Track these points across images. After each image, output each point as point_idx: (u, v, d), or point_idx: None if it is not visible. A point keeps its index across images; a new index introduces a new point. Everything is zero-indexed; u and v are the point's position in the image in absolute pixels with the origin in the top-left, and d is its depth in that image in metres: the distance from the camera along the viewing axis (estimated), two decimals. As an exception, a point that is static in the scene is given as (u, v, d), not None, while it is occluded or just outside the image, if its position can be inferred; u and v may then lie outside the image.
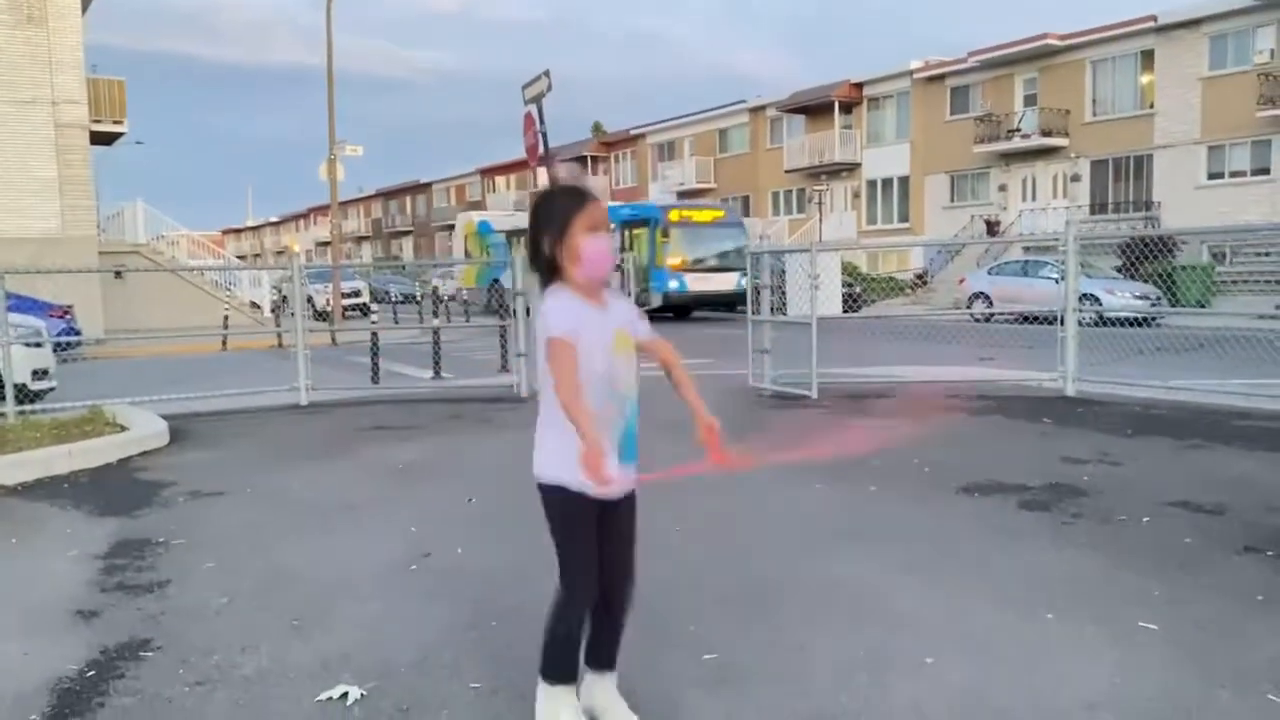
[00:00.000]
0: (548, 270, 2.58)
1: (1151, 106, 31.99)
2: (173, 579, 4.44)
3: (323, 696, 3.17)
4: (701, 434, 2.62)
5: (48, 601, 4.19)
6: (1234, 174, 30.29)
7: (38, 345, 10.41)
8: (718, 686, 3.15)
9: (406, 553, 4.72)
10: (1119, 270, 24.16)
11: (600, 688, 2.79)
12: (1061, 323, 9.65)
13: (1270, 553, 4.37)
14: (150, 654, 3.58)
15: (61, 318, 17.60)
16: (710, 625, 3.67)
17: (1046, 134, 34.43)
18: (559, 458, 2.51)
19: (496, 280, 22.13)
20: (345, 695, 3.17)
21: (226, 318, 21.75)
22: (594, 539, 2.59)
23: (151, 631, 3.79)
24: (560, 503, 2.57)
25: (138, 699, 3.20)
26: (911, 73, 39.27)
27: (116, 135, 27.83)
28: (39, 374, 10.21)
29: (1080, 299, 19.18)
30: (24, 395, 9.47)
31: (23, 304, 14.01)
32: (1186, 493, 5.45)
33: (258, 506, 5.89)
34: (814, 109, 42.76)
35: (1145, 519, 4.96)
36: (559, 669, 2.68)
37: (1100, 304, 20.00)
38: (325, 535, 5.19)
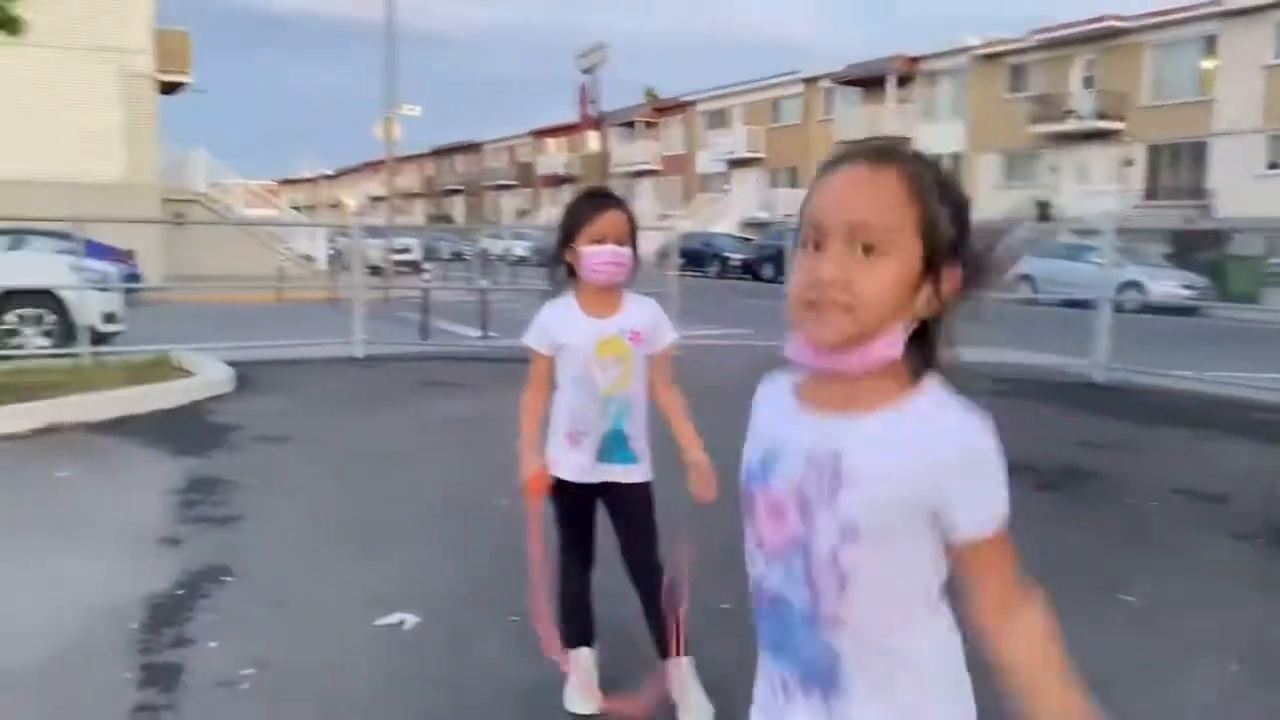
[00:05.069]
0: (565, 273, 2.82)
1: (1212, 93, 31.56)
2: (245, 515, 4.90)
3: (381, 622, 3.59)
4: (690, 477, 2.76)
5: (136, 529, 4.66)
6: (1296, 165, 29.88)
7: (107, 289, 10.97)
8: (734, 636, 3.52)
9: (455, 500, 5.15)
10: (1168, 257, 24.03)
11: (672, 675, 2.97)
12: (1094, 309, 9.82)
13: (1260, 540, 4.66)
14: (230, 579, 4.02)
15: (124, 262, 18.26)
16: (724, 580, 4.03)
17: (1102, 116, 34.08)
18: (548, 450, 2.90)
19: None
20: (402, 622, 3.59)
21: (282, 269, 22.31)
22: (579, 522, 2.91)
23: (229, 560, 4.23)
24: (552, 486, 2.92)
25: (221, 615, 3.65)
26: (969, 49, 38.93)
27: (180, 85, 28.46)
28: (108, 317, 10.75)
29: (1124, 286, 19.28)
30: (94, 337, 10.01)
31: (90, 248, 14.60)
32: (1195, 481, 5.72)
33: (321, 452, 6.35)
34: (869, 82, 42.57)
35: (1151, 504, 5.26)
36: (565, 630, 3.04)
37: (1144, 291, 20.01)
38: (382, 481, 5.63)
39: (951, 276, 1.21)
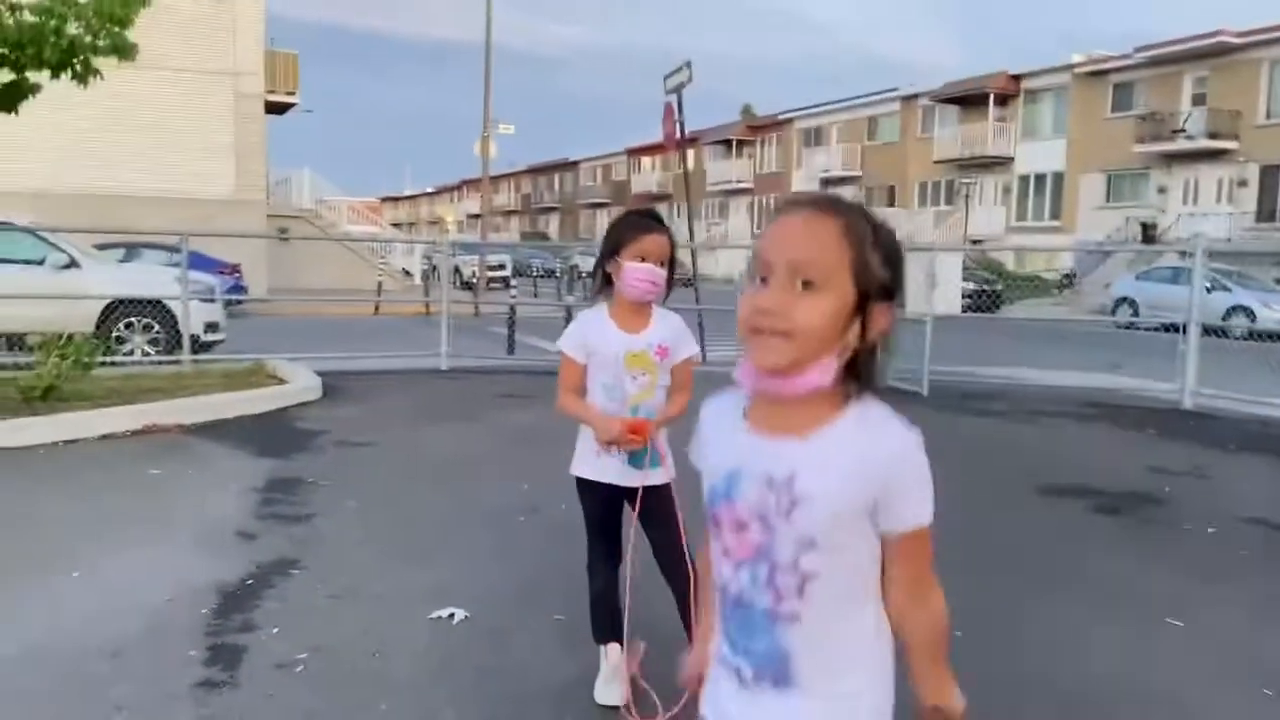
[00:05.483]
0: (603, 282, 3.00)
1: (1332, 111, 30.33)
2: (318, 513, 5.18)
3: (433, 615, 3.79)
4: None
5: (216, 523, 4.97)
6: None
7: (210, 301, 11.55)
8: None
9: (517, 506, 5.34)
10: (1281, 282, 23.11)
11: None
12: (1183, 333, 9.58)
13: (1324, 570, 4.56)
14: (296, 571, 4.28)
15: (230, 275, 19.11)
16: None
17: (1214, 136, 32.99)
18: (578, 456, 3.08)
19: None
20: (452, 615, 3.79)
21: (380, 284, 22.98)
22: (608, 522, 3.09)
23: (299, 554, 4.50)
24: (579, 491, 3.11)
25: (285, 604, 3.89)
26: (1072, 67, 38.10)
27: (289, 105, 29.62)
28: (210, 327, 11.33)
29: (1232, 311, 18.62)
30: (196, 345, 10.54)
31: (197, 261, 15.36)
32: (1265, 509, 5.59)
33: (396, 457, 6.64)
34: (968, 100, 41.93)
35: (1210, 530, 5.17)
36: (592, 626, 3.21)
37: (1254, 317, 19.34)
38: (450, 486, 5.87)
39: (881, 313, 1.36)
